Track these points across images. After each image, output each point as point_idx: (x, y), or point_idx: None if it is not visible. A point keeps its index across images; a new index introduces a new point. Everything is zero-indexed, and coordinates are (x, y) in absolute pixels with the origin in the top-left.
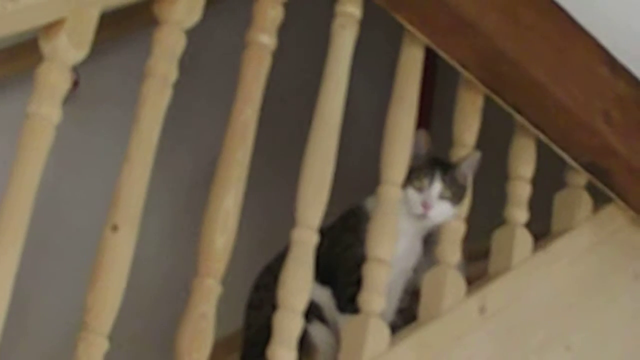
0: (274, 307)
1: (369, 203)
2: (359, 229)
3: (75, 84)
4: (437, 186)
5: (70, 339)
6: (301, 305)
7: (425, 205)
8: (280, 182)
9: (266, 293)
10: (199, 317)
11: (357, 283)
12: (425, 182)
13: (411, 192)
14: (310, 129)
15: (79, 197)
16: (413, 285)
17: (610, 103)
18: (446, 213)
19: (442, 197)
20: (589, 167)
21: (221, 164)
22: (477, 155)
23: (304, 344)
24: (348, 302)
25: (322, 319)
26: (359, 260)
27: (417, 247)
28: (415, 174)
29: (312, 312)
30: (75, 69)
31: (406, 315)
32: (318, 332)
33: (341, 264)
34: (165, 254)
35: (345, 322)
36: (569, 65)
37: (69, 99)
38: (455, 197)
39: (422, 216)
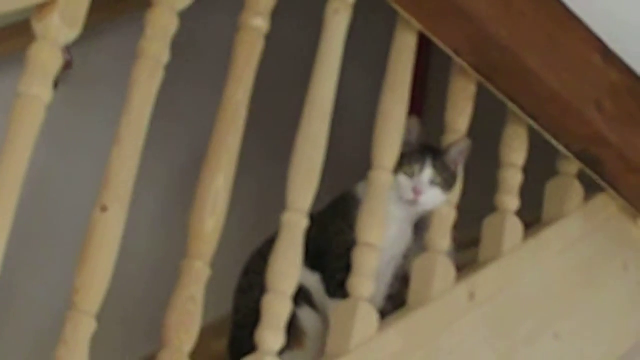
0: (263, 291)
1: (360, 189)
2: (349, 214)
3: (69, 65)
4: (428, 172)
5: (59, 319)
6: (290, 288)
7: (416, 191)
8: (271, 166)
9: (256, 277)
10: (187, 299)
11: (347, 268)
12: (416, 168)
13: (402, 178)
14: (302, 113)
15: (71, 178)
16: (403, 272)
17: (602, 92)
18: (437, 199)
19: (432, 183)
20: (580, 156)
21: (212, 146)
22: (468, 142)
23: (293, 329)
24: (337, 287)
25: (312, 304)
26: (349, 245)
27: (408, 233)
28: (407, 160)
29: (302, 297)
30: (69, 50)
31: (396, 301)
32: (307, 316)
33: (331, 249)
34: (157, 236)
35: (335, 307)
36: (561, 53)
37: (63, 79)
38: (446, 183)
39: (413, 202)
